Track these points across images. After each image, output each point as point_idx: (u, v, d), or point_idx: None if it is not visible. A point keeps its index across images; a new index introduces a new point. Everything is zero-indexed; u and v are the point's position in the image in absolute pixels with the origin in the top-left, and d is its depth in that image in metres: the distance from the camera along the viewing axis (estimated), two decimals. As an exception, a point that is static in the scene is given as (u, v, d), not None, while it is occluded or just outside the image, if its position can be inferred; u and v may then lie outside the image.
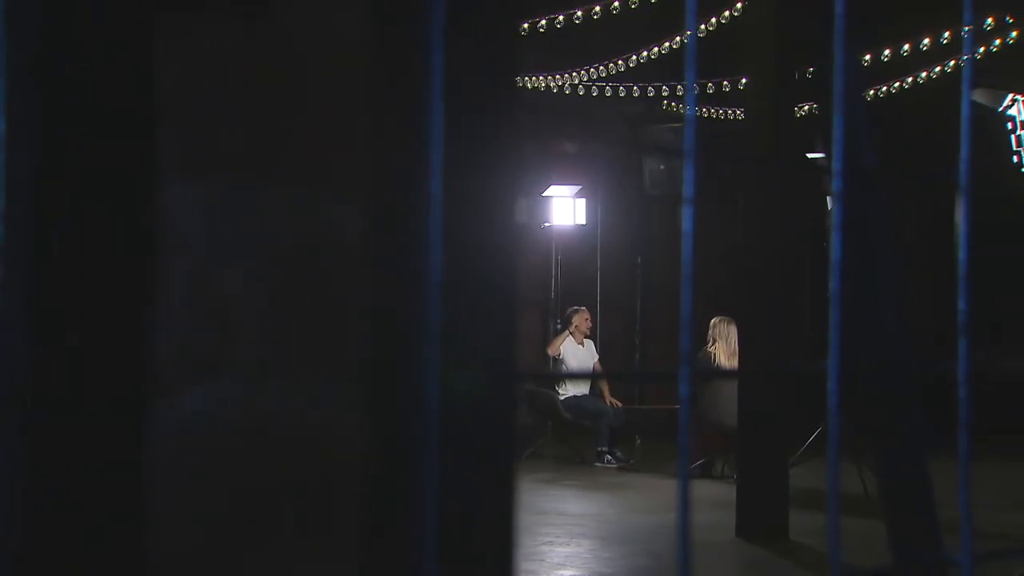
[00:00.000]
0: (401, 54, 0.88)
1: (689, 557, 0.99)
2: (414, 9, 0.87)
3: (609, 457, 9.68)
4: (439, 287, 0.86)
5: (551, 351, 10.47)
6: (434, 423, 0.86)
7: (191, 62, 0.80)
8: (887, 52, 8.81)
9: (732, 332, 8.77)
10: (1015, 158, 5.23)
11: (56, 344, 0.77)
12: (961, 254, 1.17)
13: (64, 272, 0.72)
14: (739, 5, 7.83)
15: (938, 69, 8.46)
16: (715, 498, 7.68)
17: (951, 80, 8.30)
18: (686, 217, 0.99)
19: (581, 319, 10.32)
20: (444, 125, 0.86)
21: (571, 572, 5.74)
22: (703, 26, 8.67)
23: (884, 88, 9.67)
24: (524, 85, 10.02)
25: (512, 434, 0.94)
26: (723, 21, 8.52)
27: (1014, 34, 8.01)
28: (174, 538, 0.79)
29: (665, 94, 10.50)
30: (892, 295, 1.18)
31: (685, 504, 0.97)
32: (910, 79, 9.44)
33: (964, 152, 1.16)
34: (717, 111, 11.07)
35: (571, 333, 10.33)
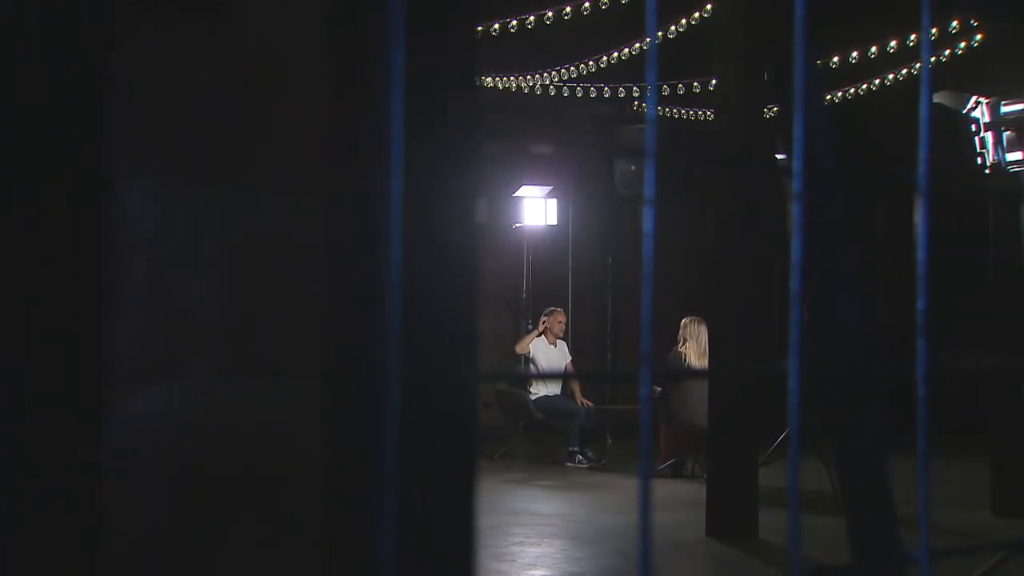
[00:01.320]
0: (361, 54, 0.88)
1: (650, 557, 0.99)
2: (374, 9, 0.87)
3: (580, 457, 9.70)
4: (399, 286, 0.86)
5: (519, 349, 10.49)
6: (394, 422, 0.85)
7: (147, 60, 0.80)
8: (855, 54, 8.88)
9: (702, 332, 8.82)
10: (978, 160, 5.29)
11: (10, 344, 0.76)
12: (920, 255, 1.18)
13: (16, 272, 0.71)
14: (708, 6, 7.87)
15: (905, 72, 8.55)
16: (685, 497, 7.71)
17: (917, 83, 8.39)
18: (647, 218, 0.99)
19: (555, 320, 10.34)
20: (404, 125, 0.86)
21: (542, 572, 5.75)
22: (673, 26, 8.70)
23: (852, 90, 9.74)
24: (495, 85, 10.03)
25: (474, 434, 0.94)
26: (693, 22, 8.56)
27: (978, 37, 8.10)
28: (132, 538, 0.79)
29: (636, 95, 10.54)
30: (854, 295, 1.19)
31: (646, 504, 0.97)
32: (878, 81, 9.52)
33: (923, 154, 1.17)
34: (687, 112, 11.12)
35: (544, 333, 10.35)
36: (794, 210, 1.10)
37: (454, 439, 0.91)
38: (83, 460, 0.80)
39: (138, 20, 0.81)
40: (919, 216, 1.21)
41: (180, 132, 0.83)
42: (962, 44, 8.49)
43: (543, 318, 10.44)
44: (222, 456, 0.87)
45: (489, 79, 9.92)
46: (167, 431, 0.82)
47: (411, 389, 0.86)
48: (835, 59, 9.03)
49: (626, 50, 9.01)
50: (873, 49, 8.74)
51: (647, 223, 1.00)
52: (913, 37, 8.14)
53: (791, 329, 1.11)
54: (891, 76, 9.36)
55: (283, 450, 0.90)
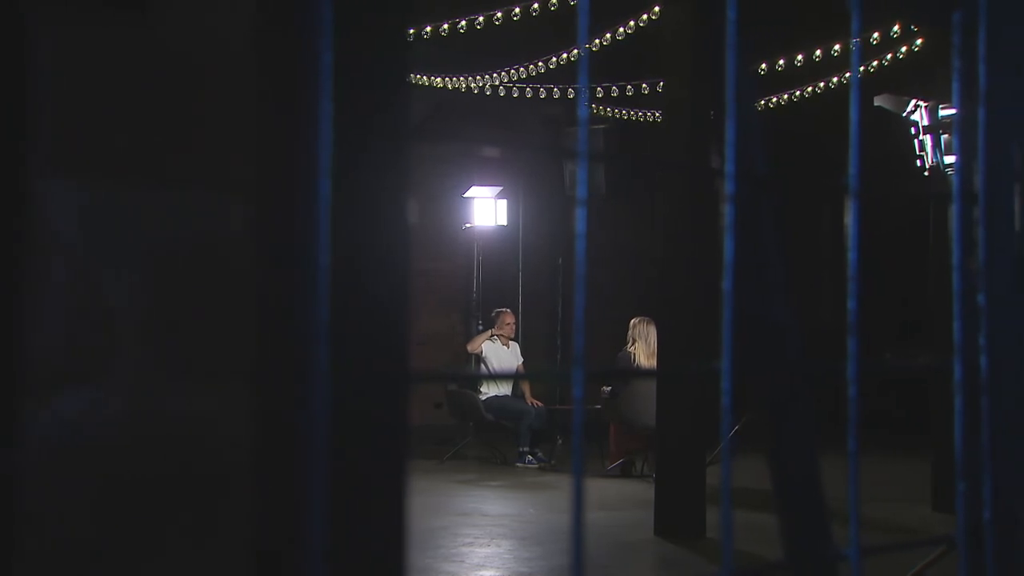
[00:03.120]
0: (289, 53, 0.88)
1: (582, 557, 0.99)
2: (302, 8, 0.86)
3: (530, 457, 9.72)
4: (327, 286, 0.85)
5: (471, 348, 10.49)
6: (323, 423, 0.85)
7: (70, 58, 0.79)
8: (800, 58, 8.99)
9: (651, 332, 8.87)
10: (918, 162, 5.40)
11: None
12: (851, 255, 1.19)
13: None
14: (656, 9, 7.92)
15: (848, 75, 8.67)
16: (634, 497, 7.75)
17: (860, 85, 8.48)
18: (579, 219, 1.00)
19: (502, 321, 10.35)
20: (332, 124, 0.86)
21: (490, 573, 5.75)
22: (622, 28, 8.74)
23: (797, 93, 9.86)
24: (445, 86, 10.01)
25: (405, 434, 0.93)
26: (641, 24, 8.61)
27: (919, 41, 8.23)
28: (50, 541, 0.78)
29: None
30: (783, 295, 1.20)
31: (579, 504, 0.98)
32: (822, 84, 9.64)
33: (853, 157, 1.19)
34: (636, 113, 11.17)
35: (496, 334, 10.36)
36: (726, 212, 1.11)
37: (384, 439, 0.90)
38: None
39: (58, 15, 0.80)
40: (850, 218, 1.23)
41: (103, 130, 0.82)
42: (903, 48, 8.63)
43: (496, 319, 10.44)
44: (147, 458, 0.86)
45: (439, 79, 9.90)
46: (90, 433, 0.81)
47: (340, 389, 0.86)
48: (781, 62, 9.13)
49: (575, 51, 9.03)
50: (818, 53, 8.85)
51: (579, 224, 1.00)
52: (856, 41, 8.24)
53: (723, 329, 1.12)
54: (835, 80, 9.48)
55: (210, 451, 0.89)
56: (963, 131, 1.25)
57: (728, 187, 1.10)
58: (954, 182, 1.25)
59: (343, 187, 0.87)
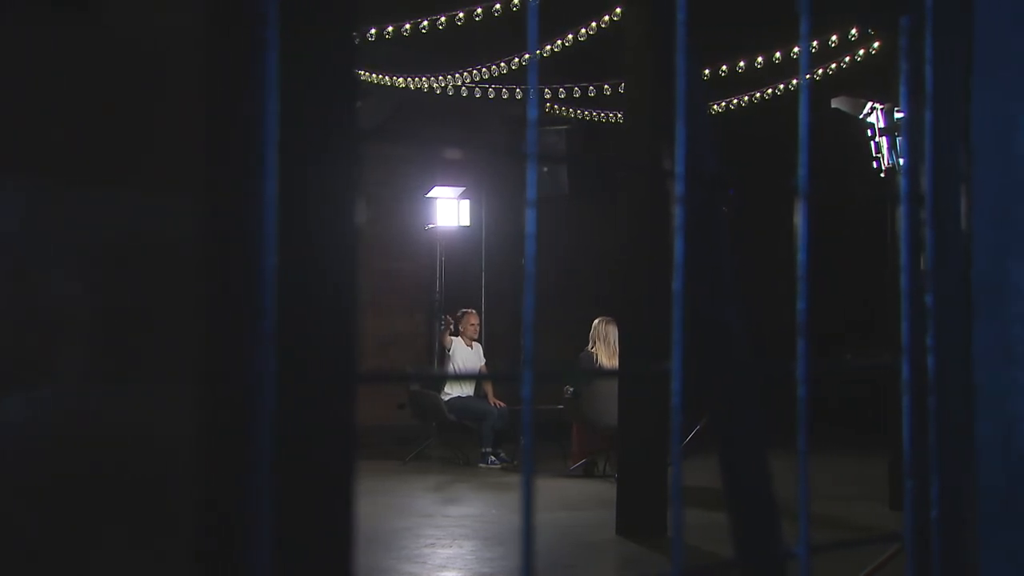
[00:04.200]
0: (236, 54, 0.87)
1: (531, 558, 1.00)
2: (249, 6, 0.86)
3: (493, 458, 9.72)
4: (273, 287, 0.85)
5: (444, 343, 10.46)
6: (269, 425, 0.85)
7: (7, 56, 0.78)
8: (760, 60, 9.06)
9: (612, 332, 8.90)
10: (874, 163, 5.46)
11: None
12: (800, 256, 1.20)
13: None
14: (618, 10, 7.94)
15: (807, 76, 8.73)
16: (597, 497, 7.78)
17: (818, 87, 8.59)
18: (529, 219, 1.00)
19: (467, 322, 10.35)
20: (279, 125, 0.85)
21: (452, 574, 5.75)
22: (584, 29, 8.77)
23: (758, 95, 9.93)
24: (407, 86, 9.99)
25: (353, 436, 0.93)
26: (603, 25, 8.64)
27: (876, 44, 8.32)
28: (-10, 549, 0.77)
29: (547, 96, 10.59)
30: (733, 295, 1.21)
31: (529, 504, 0.98)
32: (782, 86, 9.72)
33: (802, 158, 1.20)
34: (599, 115, 11.21)
35: (460, 334, 10.36)
36: (676, 212, 1.12)
37: (331, 441, 0.90)
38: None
39: (1, 14, 0.79)
40: (799, 218, 1.24)
41: (44, 129, 0.82)
42: (861, 51, 8.72)
43: (460, 320, 10.43)
44: (92, 460, 0.85)
45: (400, 79, 9.87)
46: (32, 434, 0.80)
47: (286, 391, 0.86)
48: (741, 64, 9.19)
49: (538, 52, 9.05)
50: (778, 55, 8.92)
51: (529, 224, 1.01)
52: (815, 44, 8.33)
53: (674, 330, 1.13)
54: (795, 81, 9.56)
55: (155, 453, 0.88)
56: (910, 133, 1.26)
57: (678, 188, 1.11)
58: (902, 183, 1.27)
59: (290, 187, 0.87)
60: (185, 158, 0.88)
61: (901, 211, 1.27)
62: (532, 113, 1.00)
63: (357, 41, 0.96)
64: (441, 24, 8.32)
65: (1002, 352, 1.19)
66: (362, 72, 9.56)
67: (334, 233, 0.90)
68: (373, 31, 8.53)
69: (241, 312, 0.85)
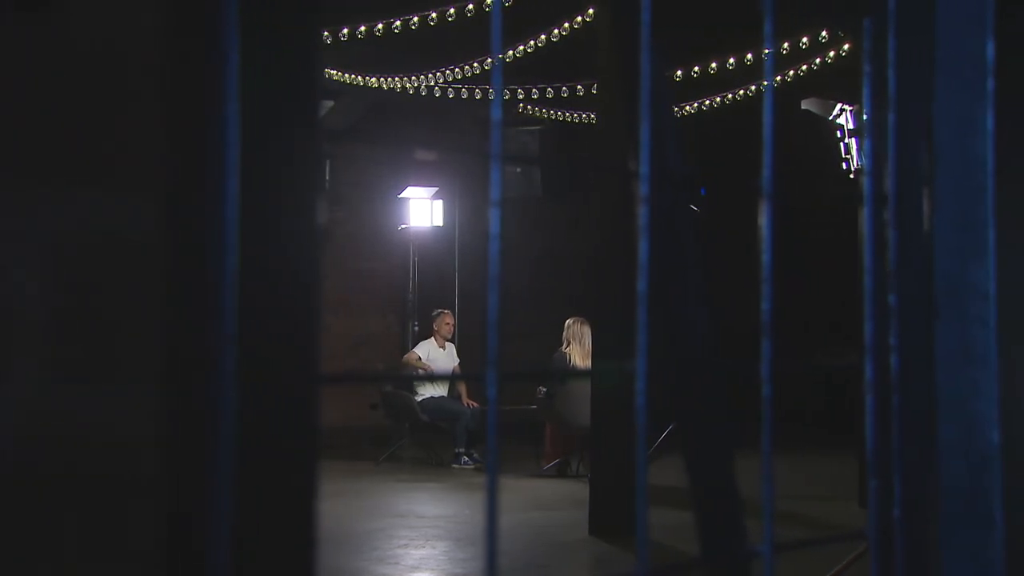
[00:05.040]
0: (197, 54, 0.87)
1: (495, 558, 1.00)
2: (209, 8, 0.85)
3: (466, 458, 9.71)
4: (234, 288, 0.84)
5: (410, 358, 10.46)
6: (230, 425, 0.84)
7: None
8: (731, 61, 9.10)
9: (586, 333, 8.91)
10: (844, 164, 5.51)
11: None
12: (764, 257, 1.21)
13: None
14: (591, 11, 7.96)
15: (779, 78, 8.80)
16: (571, 497, 7.79)
17: (788, 88, 8.64)
18: (493, 220, 1.00)
19: (442, 322, 10.33)
20: (240, 125, 0.85)
21: (425, 574, 5.74)
22: (557, 30, 8.78)
23: (730, 96, 9.98)
24: (380, 86, 9.97)
25: (315, 437, 0.93)
26: (576, 26, 8.65)
27: (846, 47, 8.38)
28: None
29: (520, 97, 10.60)
30: (700, 296, 1.21)
31: (493, 503, 0.98)
32: (754, 87, 9.77)
33: (767, 159, 1.21)
34: (571, 115, 11.22)
35: (433, 334, 10.34)
36: (640, 213, 1.12)
37: (293, 441, 0.90)
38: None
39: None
40: (763, 219, 1.24)
41: (7, 129, 0.81)
42: (831, 53, 8.78)
43: (434, 320, 10.42)
44: (51, 461, 0.84)
45: (373, 79, 9.85)
46: (-11, 439, 0.80)
47: (248, 391, 0.85)
48: (713, 65, 9.23)
49: (510, 52, 9.05)
50: (749, 56, 8.97)
51: (493, 225, 1.01)
52: (786, 45, 8.38)
53: (638, 330, 1.13)
54: (766, 83, 9.59)
55: (116, 454, 0.87)
56: (874, 134, 1.27)
57: (643, 188, 1.11)
58: (865, 185, 1.28)
59: (252, 187, 0.86)
60: (147, 158, 0.87)
61: (864, 212, 1.28)
62: (496, 114, 1.00)
63: (320, 41, 0.95)
64: (414, 24, 8.31)
65: (962, 353, 1.20)
66: (335, 72, 9.53)
67: (296, 233, 0.90)
68: (346, 31, 8.51)
69: (202, 312, 0.85)
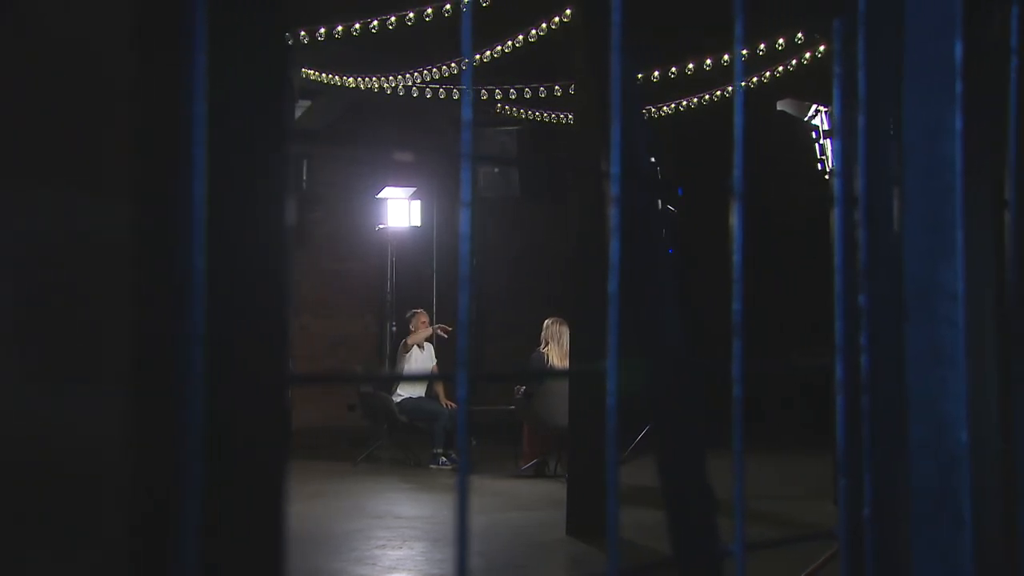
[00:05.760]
0: (165, 55, 0.86)
1: (467, 558, 1.00)
2: (176, 7, 0.85)
3: (444, 459, 9.70)
4: (202, 288, 0.84)
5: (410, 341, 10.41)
6: (198, 426, 0.84)
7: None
8: (708, 62, 9.14)
9: (564, 333, 8.92)
10: (819, 165, 5.55)
11: None
12: (735, 258, 1.22)
13: None
14: (568, 11, 7.97)
15: (755, 79, 8.85)
16: (548, 497, 7.79)
17: (765, 89, 8.68)
18: (463, 220, 1.00)
19: (418, 322, 10.31)
20: (207, 126, 0.85)
21: (402, 575, 5.73)
22: (534, 30, 8.79)
23: (708, 97, 10.02)
24: (357, 86, 9.95)
25: (284, 438, 0.93)
26: (554, 27, 8.66)
27: (822, 48, 8.43)
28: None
29: (498, 97, 10.60)
30: (672, 295, 1.22)
31: (464, 504, 0.98)
32: (731, 88, 9.81)
33: (737, 159, 1.21)
34: (549, 115, 11.23)
35: (411, 335, 10.33)
36: (611, 213, 1.12)
37: (262, 442, 0.89)
38: None
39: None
40: (734, 220, 1.25)
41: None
42: (807, 54, 8.83)
43: (411, 321, 10.40)
44: (17, 462, 0.84)
45: (351, 79, 9.83)
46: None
47: (216, 392, 0.85)
48: (691, 66, 9.27)
49: (488, 52, 9.05)
50: (725, 57, 9.01)
51: (463, 225, 1.01)
52: (762, 46, 8.43)
53: (609, 331, 1.13)
54: (743, 84, 9.64)
55: (84, 456, 0.87)
56: (844, 136, 1.28)
57: (613, 189, 1.11)
58: (836, 186, 1.28)
59: (220, 188, 0.86)
60: (114, 159, 0.87)
61: (835, 213, 1.28)
62: (467, 114, 1.00)
63: (289, 41, 0.95)
64: (391, 24, 8.29)
65: (931, 353, 1.21)
66: (312, 72, 9.50)
67: (264, 234, 0.89)
68: (323, 30, 8.48)
69: (170, 313, 0.85)
